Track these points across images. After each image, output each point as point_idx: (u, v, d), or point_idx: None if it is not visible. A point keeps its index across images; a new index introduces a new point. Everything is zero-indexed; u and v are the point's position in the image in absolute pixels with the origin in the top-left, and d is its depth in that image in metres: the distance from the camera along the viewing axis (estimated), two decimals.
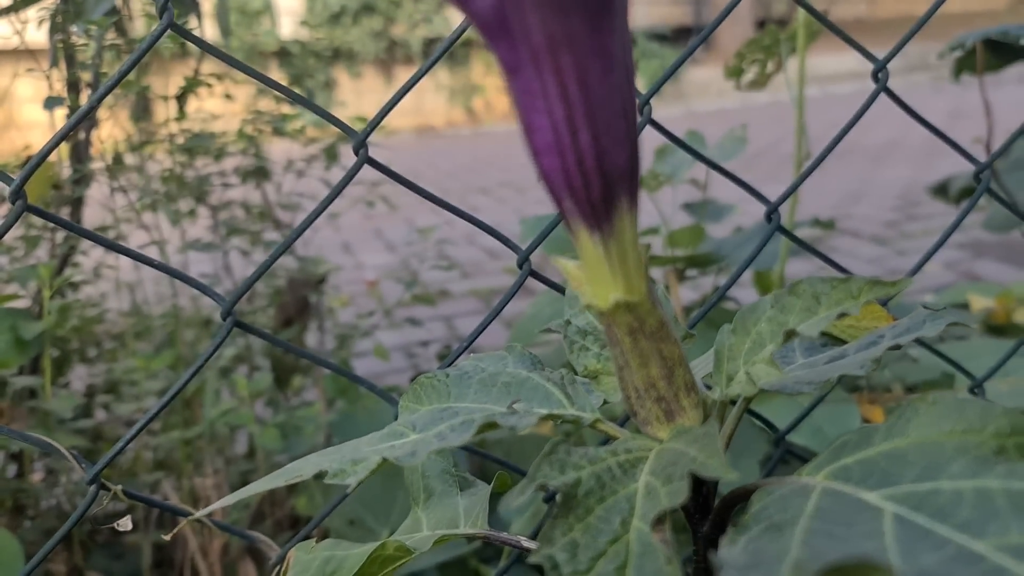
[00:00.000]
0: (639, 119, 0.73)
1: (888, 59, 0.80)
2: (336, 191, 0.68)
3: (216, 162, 1.66)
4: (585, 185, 0.35)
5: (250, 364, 1.58)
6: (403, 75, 7.87)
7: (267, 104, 1.82)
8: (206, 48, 0.65)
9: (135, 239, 1.67)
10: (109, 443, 1.33)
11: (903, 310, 1.38)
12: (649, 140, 0.81)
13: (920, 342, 1.04)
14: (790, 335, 0.42)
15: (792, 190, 0.80)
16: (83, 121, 1.54)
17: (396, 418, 0.47)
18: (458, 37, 0.65)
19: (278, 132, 1.75)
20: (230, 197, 1.71)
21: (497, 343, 2.68)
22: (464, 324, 2.89)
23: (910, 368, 1.19)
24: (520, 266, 0.74)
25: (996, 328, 1.41)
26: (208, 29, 1.90)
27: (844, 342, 0.49)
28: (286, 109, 1.74)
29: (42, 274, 1.16)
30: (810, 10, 0.84)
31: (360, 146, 0.68)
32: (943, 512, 0.29)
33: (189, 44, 1.10)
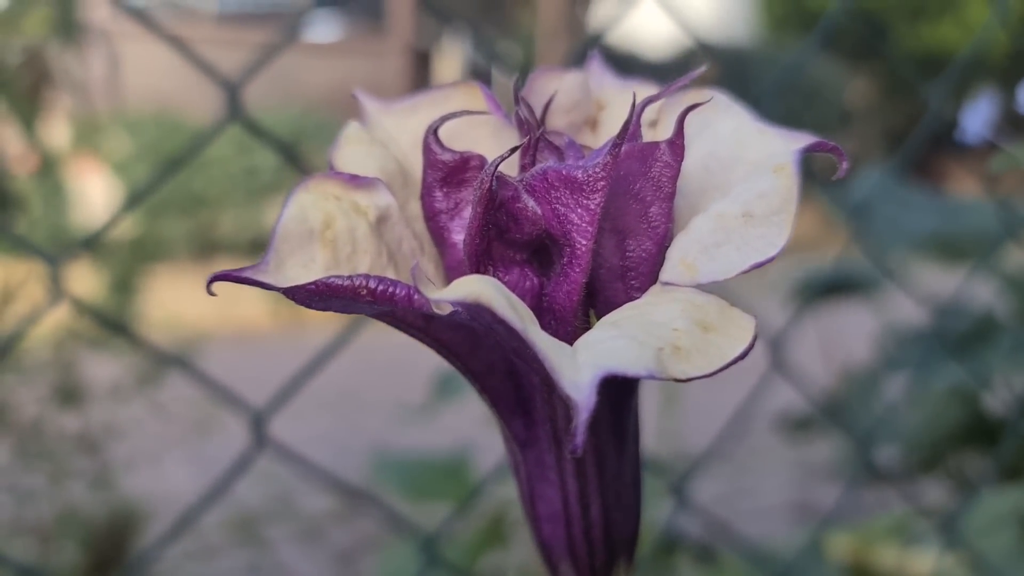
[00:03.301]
0: None
1: (783, 332, 0.81)
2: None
3: (21, 378, 1.51)
4: (589, 554, 0.30)
5: None
6: None
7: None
8: None
9: None
10: None
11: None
12: None
13: None
14: None
15: None
16: None
17: None
18: None
19: (98, 346, 1.62)
20: (41, 418, 1.54)
21: None
22: (287, 552, 2.68)
23: None
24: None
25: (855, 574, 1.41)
26: None
27: None
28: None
29: None
30: None
31: None
32: None
33: None
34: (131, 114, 6.50)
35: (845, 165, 0.25)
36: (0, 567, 0.98)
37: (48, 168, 1.55)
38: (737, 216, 0.23)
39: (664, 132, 0.27)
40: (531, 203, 0.24)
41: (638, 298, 0.25)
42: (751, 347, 0.21)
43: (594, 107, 0.30)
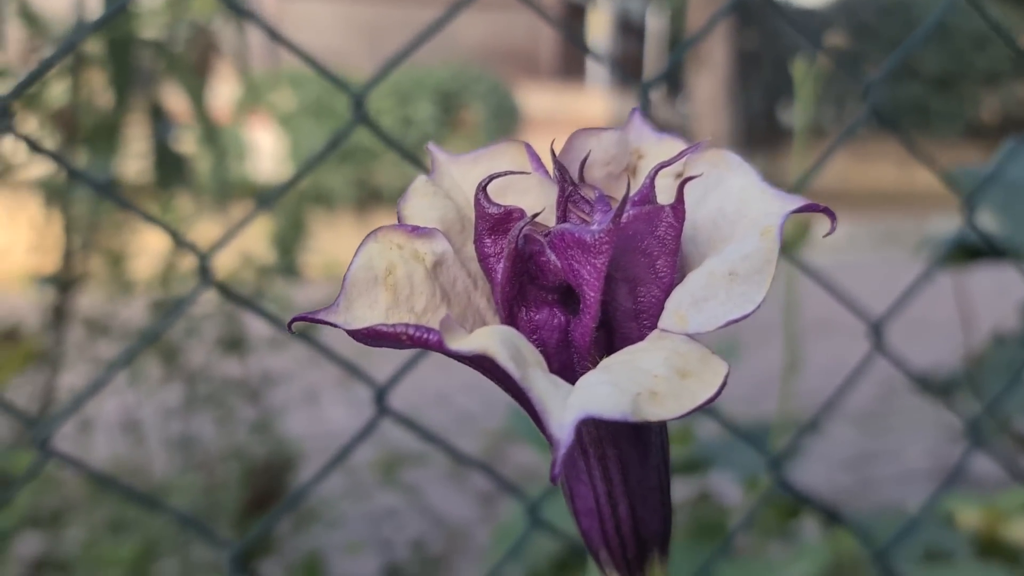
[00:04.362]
0: None
1: (883, 319, 0.82)
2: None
3: (190, 331, 1.66)
4: (621, 545, 0.35)
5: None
6: (379, 220, 7.97)
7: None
8: None
9: (108, 404, 1.65)
10: None
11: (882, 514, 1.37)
12: None
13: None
14: None
15: None
16: (64, 288, 1.54)
17: None
18: None
19: (259, 296, 1.76)
20: (207, 365, 1.69)
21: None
22: (432, 492, 2.83)
23: None
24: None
25: (984, 546, 1.39)
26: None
27: None
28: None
29: (17, 460, 1.12)
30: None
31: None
32: None
33: None
34: (295, 71, 6.79)
35: (834, 225, 0.28)
36: (164, 513, 1.11)
37: (214, 132, 1.68)
38: (724, 275, 0.27)
39: (690, 184, 0.31)
40: (553, 257, 0.29)
41: (648, 335, 0.29)
42: (720, 392, 0.25)
43: (634, 156, 0.34)
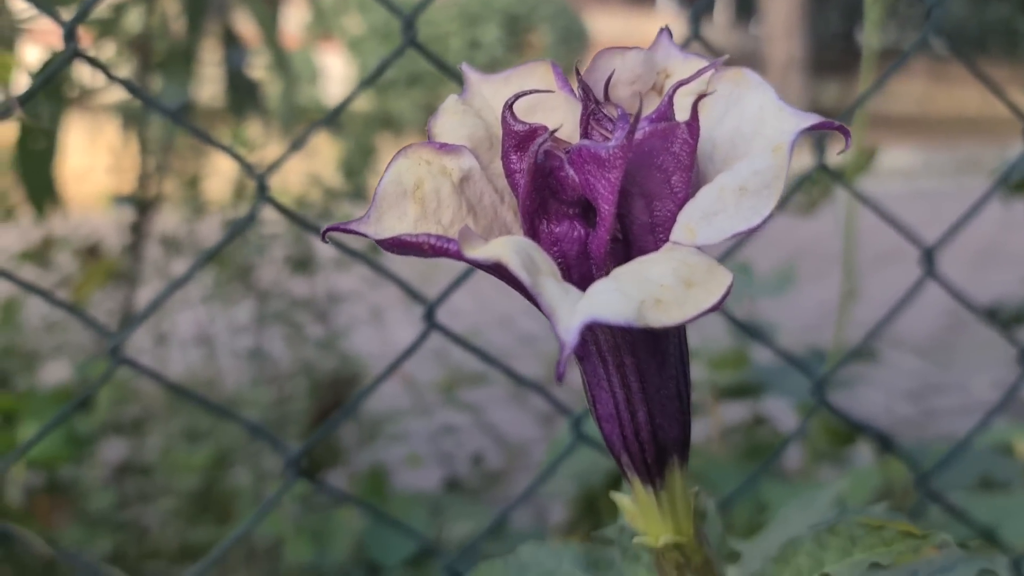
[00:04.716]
0: None
1: (935, 245, 0.81)
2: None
3: (259, 249, 1.71)
4: (641, 450, 0.37)
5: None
6: None
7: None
8: None
9: (183, 320, 1.72)
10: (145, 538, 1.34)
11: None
12: None
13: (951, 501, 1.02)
14: None
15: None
16: (141, 209, 1.59)
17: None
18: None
19: (326, 216, 1.80)
20: (277, 283, 1.75)
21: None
22: (494, 411, 2.89)
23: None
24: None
25: None
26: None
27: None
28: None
29: (97, 369, 1.19)
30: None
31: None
32: None
33: None
34: None
35: (848, 143, 0.29)
36: (235, 424, 1.16)
37: (284, 57, 1.70)
38: (735, 190, 0.28)
39: (711, 102, 0.32)
40: (572, 172, 0.30)
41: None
42: (723, 300, 0.27)
43: (661, 76, 0.35)
